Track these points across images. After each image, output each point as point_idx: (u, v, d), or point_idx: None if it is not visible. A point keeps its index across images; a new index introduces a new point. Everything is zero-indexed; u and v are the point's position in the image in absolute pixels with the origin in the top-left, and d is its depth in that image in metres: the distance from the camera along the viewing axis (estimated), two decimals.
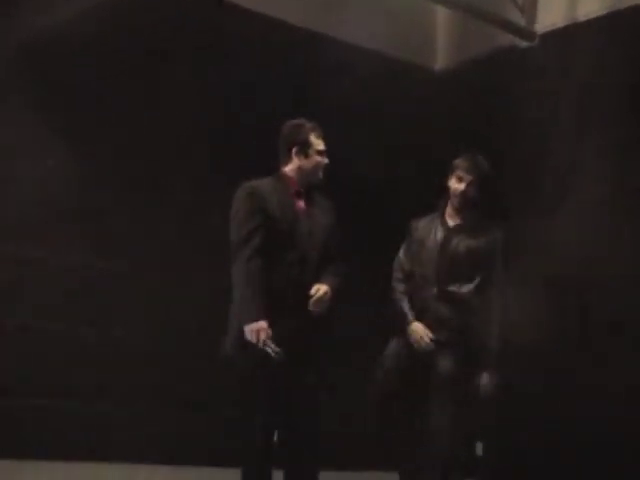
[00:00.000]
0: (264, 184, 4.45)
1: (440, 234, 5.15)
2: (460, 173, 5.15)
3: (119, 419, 5.91)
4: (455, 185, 5.16)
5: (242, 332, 4.20)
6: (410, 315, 5.14)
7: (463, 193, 5.13)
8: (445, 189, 5.22)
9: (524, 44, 7.18)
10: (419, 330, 5.08)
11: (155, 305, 6.12)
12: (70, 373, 5.75)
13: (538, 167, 6.79)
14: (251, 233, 4.29)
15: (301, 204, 4.47)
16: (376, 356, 5.20)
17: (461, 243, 5.12)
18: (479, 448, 5.62)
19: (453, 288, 5.08)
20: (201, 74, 6.45)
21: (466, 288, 5.09)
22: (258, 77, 6.48)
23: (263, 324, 4.15)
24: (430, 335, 5.06)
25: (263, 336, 4.13)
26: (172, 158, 6.33)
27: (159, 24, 6.26)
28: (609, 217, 6.33)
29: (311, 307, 4.33)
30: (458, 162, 5.19)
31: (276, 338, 4.19)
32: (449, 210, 5.22)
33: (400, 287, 5.26)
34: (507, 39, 7.22)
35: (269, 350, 4.11)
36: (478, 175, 5.13)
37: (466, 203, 5.16)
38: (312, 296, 4.32)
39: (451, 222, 5.20)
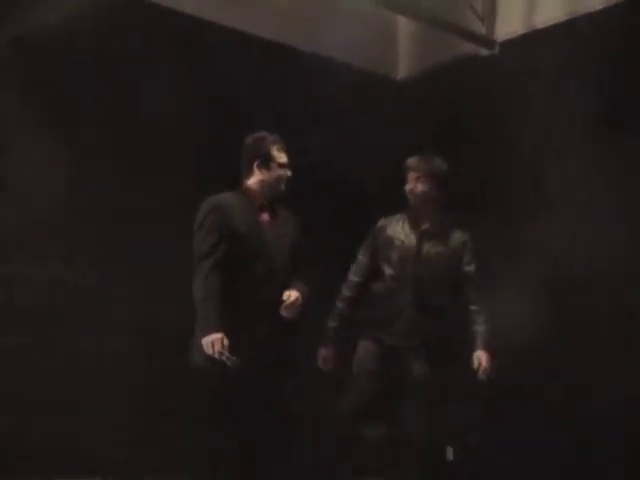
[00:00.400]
0: (227, 198, 4.52)
1: (412, 238, 5.14)
2: (408, 173, 5.17)
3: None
4: (406, 185, 5.18)
5: None
6: (331, 340, 5.21)
7: (411, 190, 5.14)
8: None
9: (485, 52, 7.16)
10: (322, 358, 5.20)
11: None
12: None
13: (503, 176, 6.74)
14: (211, 248, 4.38)
15: (265, 217, 4.54)
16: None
17: (432, 249, 5.11)
18: (450, 452, 5.65)
19: (428, 293, 5.09)
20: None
21: (440, 293, 5.11)
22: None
23: (218, 335, 4.24)
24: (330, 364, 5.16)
25: (218, 347, 4.23)
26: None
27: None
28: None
29: (283, 312, 4.41)
30: (406, 162, 5.21)
31: (248, 346, 4.31)
32: (414, 212, 5.22)
33: (347, 293, 5.26)
34: (468, 47, 7.19)
35: (224, 359, 4.22)
36: (424, 172, 5.11)
37: (417, 201, 5.14)
38: (283, 302, 4.41)
39: (419, 225, 5.19)
